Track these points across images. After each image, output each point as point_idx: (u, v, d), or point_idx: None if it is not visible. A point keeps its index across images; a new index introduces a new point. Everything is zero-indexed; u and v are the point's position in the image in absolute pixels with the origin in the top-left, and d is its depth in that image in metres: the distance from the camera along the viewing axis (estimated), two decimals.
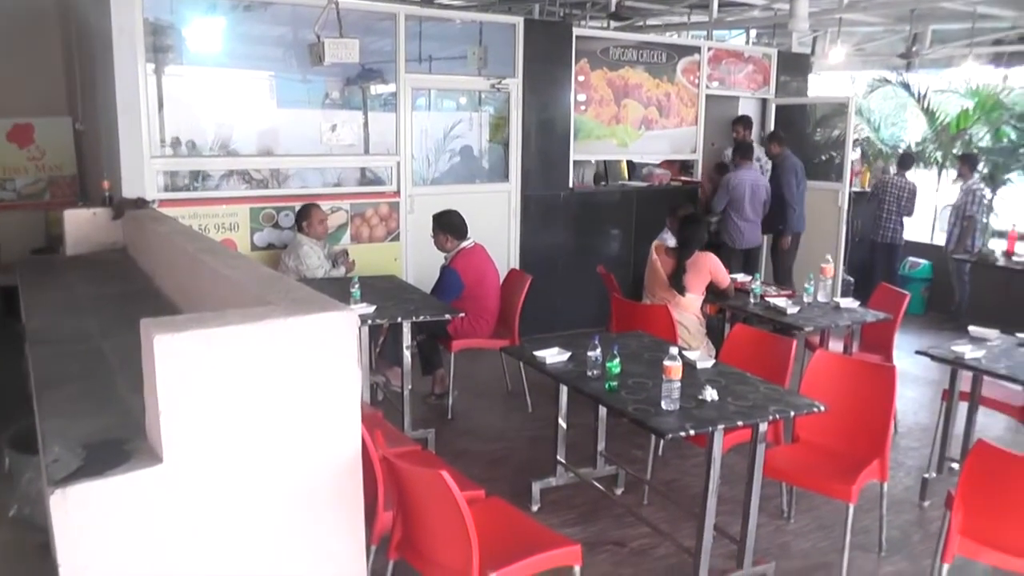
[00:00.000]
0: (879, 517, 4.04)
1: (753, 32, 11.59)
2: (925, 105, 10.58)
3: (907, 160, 8.96)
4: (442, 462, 3.81)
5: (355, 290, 4.90)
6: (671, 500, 4.46)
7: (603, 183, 8.09)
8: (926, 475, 4.70)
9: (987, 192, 9.00)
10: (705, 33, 10.25)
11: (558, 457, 4.49)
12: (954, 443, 4.81)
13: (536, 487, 4.39)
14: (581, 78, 7.45)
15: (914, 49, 11.06)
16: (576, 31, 7.41)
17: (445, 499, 2.63)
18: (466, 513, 2.60)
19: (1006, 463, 3.11)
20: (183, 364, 2.19)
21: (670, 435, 3.24)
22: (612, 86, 7.65)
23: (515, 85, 7.11)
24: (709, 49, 8.32)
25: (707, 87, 8.23)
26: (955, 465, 4.66)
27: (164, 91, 5.83)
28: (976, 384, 4.69)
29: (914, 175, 9.21)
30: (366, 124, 6.71)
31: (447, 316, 5.03)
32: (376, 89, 6.74)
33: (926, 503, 4.58)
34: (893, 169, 9.18)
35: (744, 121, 8.32)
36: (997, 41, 11.40)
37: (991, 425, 5.07)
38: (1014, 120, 9.75)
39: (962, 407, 4.80)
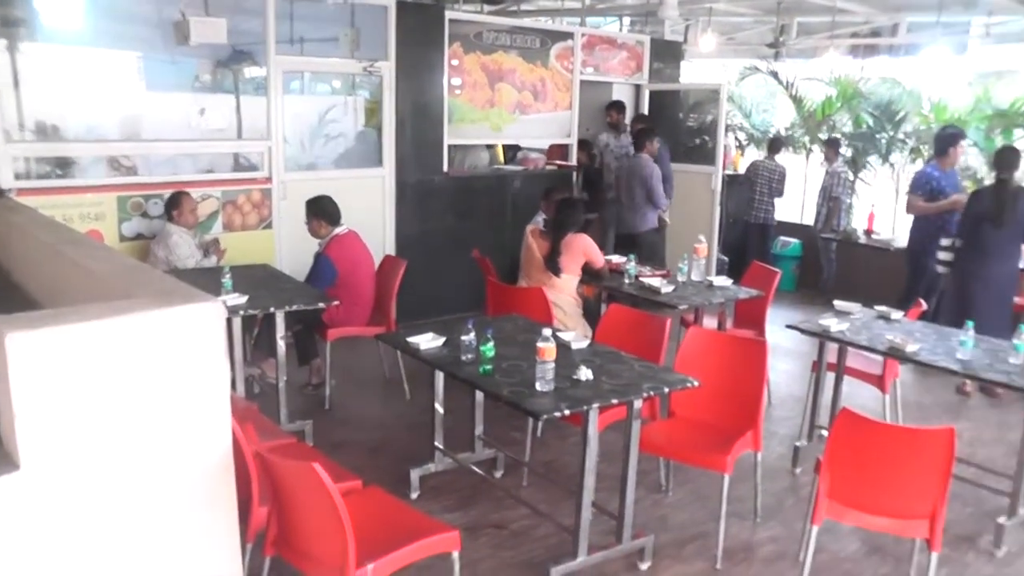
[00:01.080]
0: (754, 486, 4.14)
1: (627, 20, 11.75)
2: (793, 93, 10.96)
3: (776, 144, 9.26)
4: (318, 453, 3.73)
5: (227, 280, 4.77)
6: (550, 480, 4.47)
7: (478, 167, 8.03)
8: (798, 443, 4.86)
9: (850, 175, 9.40)
10: (579, 19, 10.30)
11: (436, 443, 4.43)
12: (823, 412, 4.99)
13: (415, 474, 4.32)
14: (455, 62, 7.34)
15: (781, 40, 11.47)
16: (449, 14, 7.29)
17: (318, 491, 2.56)
18: (340, 504, 2.53)
19: (867, 429, 3.23)
20: (39, 364, 2.03)
21: (544, 416, 3.22)
22: (486, 70, 7.57)
23: (388, 69, 6.94)
24: (582, 35, 8.35)
25: (581, 73, 8.25)
26: (824, 433, 4.79)
27: (19, 71, 5.43)
28: (841, 355, 4.86)
29: (784, 158, 9.52)
30: (238, 108, 6.43)
31: (321, 304, 4.93)
32: (248, 72, 6.47)
33: (798, 470, 4.74)
34: (764, 153, 9.47)
35: (617, 106, 8.42)
36: (854, 34, 11.96)
37: (856, 394, 5.25)
38: (871, 108, 10.21)
39: (830, 377, 4.97)
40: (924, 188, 6.75)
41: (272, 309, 4.67)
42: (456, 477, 4.46)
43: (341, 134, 7.09)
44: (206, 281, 4.52)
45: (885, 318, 4.87)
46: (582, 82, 8.28)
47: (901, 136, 9.96)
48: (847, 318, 4.80)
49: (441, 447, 4.44)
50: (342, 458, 3.97)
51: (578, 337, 4.07)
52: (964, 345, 4.19)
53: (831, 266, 8.90)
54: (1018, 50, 12.40)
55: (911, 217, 7.03)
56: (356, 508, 2.67)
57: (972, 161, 9.35)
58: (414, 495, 4.26)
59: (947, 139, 6.84)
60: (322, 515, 2.63)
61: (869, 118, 10.12)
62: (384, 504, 3.18)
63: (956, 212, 6.44)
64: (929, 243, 6.71)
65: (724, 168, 8.59)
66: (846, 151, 9.73)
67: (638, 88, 9.01)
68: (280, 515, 2.92)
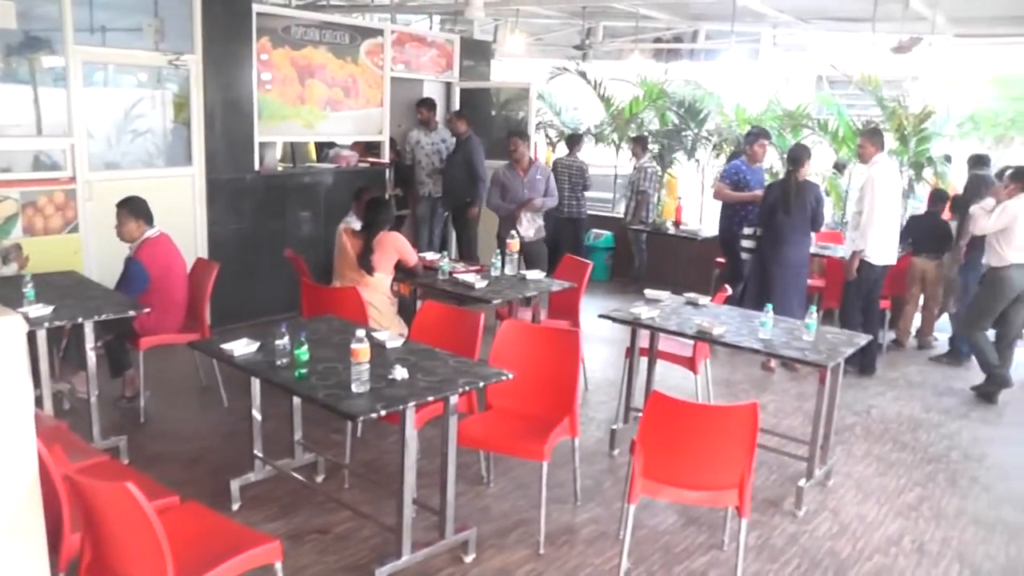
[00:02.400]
0: (573, 470, 4.20)
1: (437, 18, 11.75)
2: (601, 93, 11.32)
3: (573, 141, 9.47)
4: (132, 471, 3.53)
5: (29, 290, 4.44)
6: (372, 481, 4.37)
7: (290, 165, 7.75)
8: (614, 426, 4.99)
9: (658, 169, 9.82)
10: (389, 16, 10.18)
11: (255, 451, 4.24)
12: (639, 395, 5.14)
13: (235, 485, 4.12)
14: (264, 56, 7.03)
15: (588, 42, 11.85)
16: (256, 7, 6.96)
17: (132, 512, 2.39)
18: (156, 524, 2.37)
19: (676, 409, 3.36)
20: None
21: (361, 417, 3.14)
22: (296, 66, 7.31)
23: (195, 62, 6.56)
24: (392, 32, 8.24)
25: (392, 70, 8.14)
26: (640, 415, 4.96)
27: None
28: (653, 340, 5.03)
29: (588, 154, 9.77)
30: (36, 101, 5.85)
31: (132, 312, 4.62)
32: (45, 61, 5.89)
33: (615, 452, 4.87)
34: (564, 151, 9.70)
35: (428, 103, 8.39)
36: (657, 39, 12.54)
37: (669, 376, 5.46)
38: (675, 107, 10.69)
39: (644, 362, 5.14)
40: (732, 178, 7.29)
41: (80, 319, 4.35)
42: (277, 484, 4.28)
43: (149, 130, 6.61)
44: (6, 292, 4.28)
45: (693, 304, 5.10)
46: (393, 79, 8.17)
47: (705, 134, 10.51)
48: (657, 305, 4.99)
49: (260, 455, 4.24)
50: (159, 473, 3.83)
51: (393, 336, 4.01)
52: (764, 326, 4.48)
53: (642, 256, 9.28)
54: (802, 58, 13.51)
55: (719, 206, 7.49)
56: (173, 526, 2.57)
57: (769, 157, 9.99)
58: (235, 506, 4.06)
59: (748, 137, 7.41)
60: (138, 537, 2.47)
61: (675, 117, 10.61)
62: (203, 519, 3.02)
63: (757, 205, 6.91)
64: (735, 231, 7.20)
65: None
66: (654, 148, 10.15)
67: (448, 86, 9.00)
68: (94, 540, 2.71)
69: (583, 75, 11.33)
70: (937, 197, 7.58)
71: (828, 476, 4.70)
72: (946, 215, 7.41)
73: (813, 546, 3.99)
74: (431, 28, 11.41)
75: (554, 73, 12.21)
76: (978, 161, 7.47)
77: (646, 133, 10.31)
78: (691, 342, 4.94)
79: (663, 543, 3.91)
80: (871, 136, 6.46)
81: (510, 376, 3.63)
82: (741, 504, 3.36)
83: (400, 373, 3.43)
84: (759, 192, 6.97)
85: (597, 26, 11.60)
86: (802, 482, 4.36)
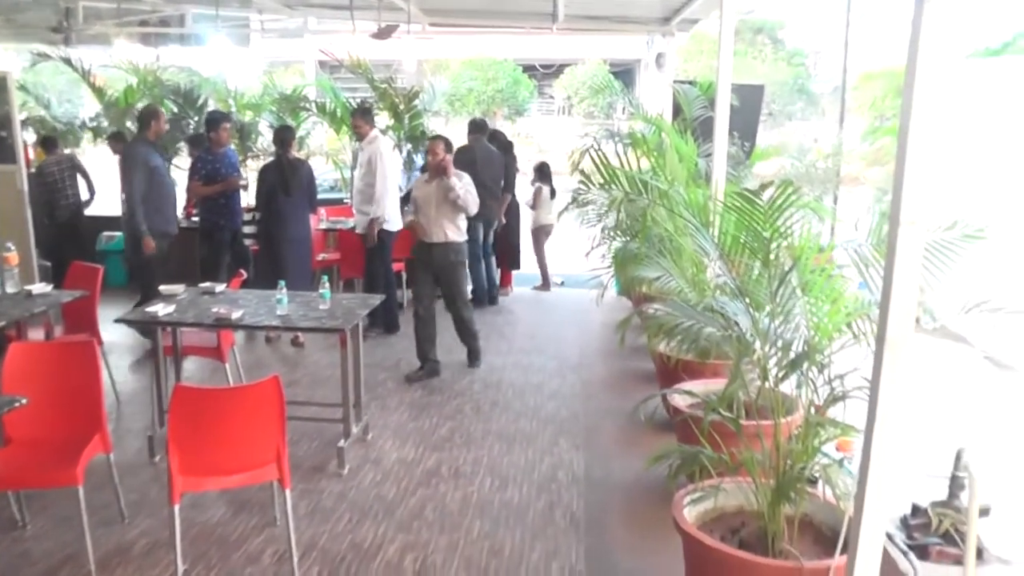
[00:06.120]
0: (114, 488, 4.05)
1: None
2: (92, 81, 10.49)
3: (48, 142, 8.82)
4: None
5: None
6: None
7: None
8: (151, 433, 4.87)
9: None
10: None
11: None
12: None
13: None
14: None
15: (67, 24, 10.82)
16: None
17: None
18: None
19: (201, 398, 3.45)
20: None
21: None
22: None
23: None
24: None
25: None
26: None
27: None
28: (176, 337, 4.99)
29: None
30: None
31: None
32: None
33: (157, 459, 4.77)
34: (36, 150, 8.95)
35: None
36: (143, 22, 11.89)
37: (202, 369, 5.46)
38: (173, 95, 10.32)
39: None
40: (200, 172, 7.22)
41: None
42: None
43: None
44: None
45: (210, 293, 5.14)
46: None
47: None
48: (174, 300, 4.94)
49: None
50: None
51: None
52: (280, 303, 4.69)
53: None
54: (300, 44, 13.87)
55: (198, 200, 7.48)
56: None
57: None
58: None
59: (209, 123, 7.34)
60: None
61: (173, 105, 10.25)
62: None
63: (235, 191, 7.16)
64: (218, 221, 7.23)
65: (29, 166, 7.92)
66: None
67: None
68: None
69: (68, 61, 10.39)
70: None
71: (366, 431, 5.16)
72: None
73: (360, 498, 4.37)
74: None
75: (34, 60, 11.02)
76: (475, 127, 8.53)
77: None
78: (214, 332, 5.00)
79: (218, 535, 3.97)
80: (362, 115, 7.05)
81: (24, 401, 3.37)
82: (282, 475, 3.54)
83: None
84: (233, 180, 7.18)
85: (76, 7, 10.63)
86: (342, 442, 4.73)
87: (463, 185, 6.04)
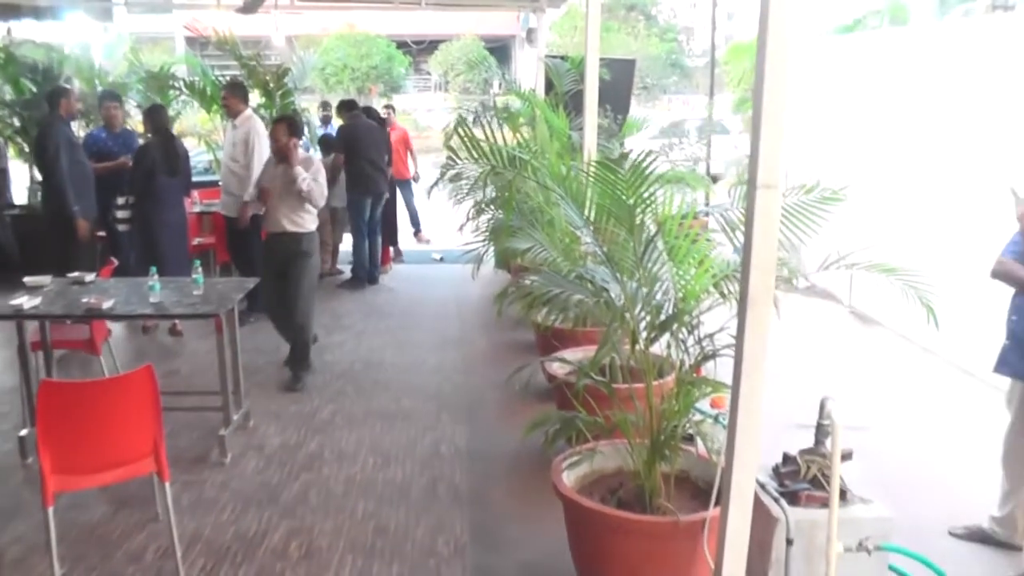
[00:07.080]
0: None
1: None
2: None
3: None
4: None
5: None
6: None
7: None
8: (22, 432, 4.67)
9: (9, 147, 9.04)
10: None
11: None
12: None
13: None
14: None
15: None
16: None
17: None
18: None
19: (70, 393, 3.34)
20: None
21: None
22: None
23: None
24: None
25: None
26: None
27: None
28: (44, 330, 4.80)
29: None
30: None
31: None
32: None
33: (29, 460, 4.58)
34: None
35: None
36: None
37: (81, 364, 5.29)
38: (30, 73, 9.75)
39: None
40: (91, 150, 6.98)
41: None
42: None
43: None
44: None
45: (80, 283, 4.95)
46: None
47: None
48: (40, 292, 4.74)
49: None
50: None
51: None
52: (153, 289, 4.59)
53: (10, 242, 8.50)
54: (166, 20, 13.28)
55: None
56: None
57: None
58: None
59: (102, 101, 7.09)
60: None
61: (31, 84, 9.68)
62: None
63: (127, 172, 6.85)
64: (108, 201, 6.98)
65: None
66: (11, 120, 9.23)
67: None
68: None
69: None
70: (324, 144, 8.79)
71: (248, 418, 5.13)
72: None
73: (244, 486, 4.35)
74: None
75: None
76: (346, 106, 8.61)
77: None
78: (86, 324, 4.85)
79: (98, 535, 3.87)
80: (234, 90, 6.90)
81: None
82: (161, 468, 3.46)
83: None
84: (126, 159, 6.91)
85: None
86: (223, 431, 4.68)
87: (310, 175, 5.56)
